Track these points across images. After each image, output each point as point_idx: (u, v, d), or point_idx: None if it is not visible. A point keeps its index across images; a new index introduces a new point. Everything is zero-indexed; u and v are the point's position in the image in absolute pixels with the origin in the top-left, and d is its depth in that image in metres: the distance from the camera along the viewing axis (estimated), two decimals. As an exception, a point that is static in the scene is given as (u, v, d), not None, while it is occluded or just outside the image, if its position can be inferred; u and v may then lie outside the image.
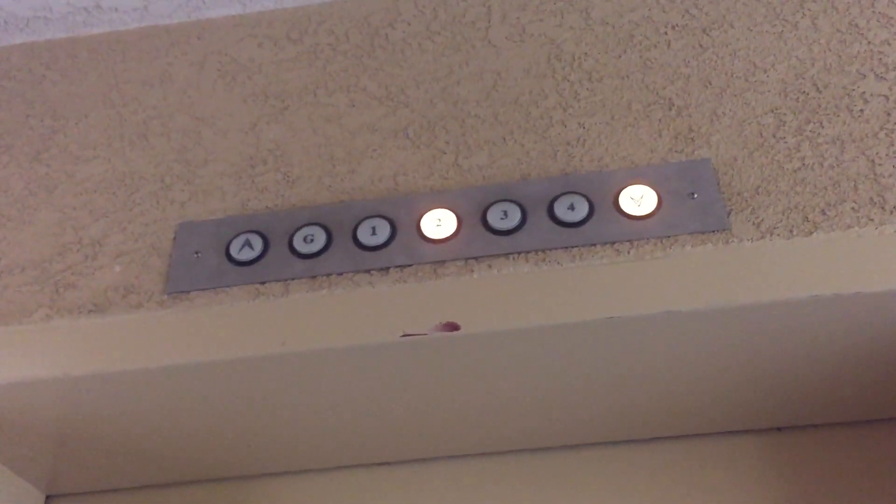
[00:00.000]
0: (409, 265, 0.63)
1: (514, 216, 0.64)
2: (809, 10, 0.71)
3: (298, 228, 0.66)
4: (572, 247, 0.62)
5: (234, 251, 0.65)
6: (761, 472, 0.71)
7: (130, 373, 0.62)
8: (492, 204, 0.65)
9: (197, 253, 0.66)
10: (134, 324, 0.64)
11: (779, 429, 0.73)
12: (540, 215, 0.64)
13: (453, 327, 0.60)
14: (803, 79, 0.68)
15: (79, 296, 0.65)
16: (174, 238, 0.67)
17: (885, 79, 0.66)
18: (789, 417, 0.71)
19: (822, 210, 0.60)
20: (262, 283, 0.64)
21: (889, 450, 0.70)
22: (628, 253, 0.61)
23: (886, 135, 0.63)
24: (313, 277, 0.64)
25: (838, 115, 0.65)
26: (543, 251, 0.62)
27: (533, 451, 0.74)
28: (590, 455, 0.73)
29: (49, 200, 0.71)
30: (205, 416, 0.67)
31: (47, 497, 0.78)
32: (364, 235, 0.65)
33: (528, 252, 0.62)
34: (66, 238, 0.69)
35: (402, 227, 0.65)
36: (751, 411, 0.70)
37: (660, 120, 0.68)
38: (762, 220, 0.61)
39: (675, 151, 0.66)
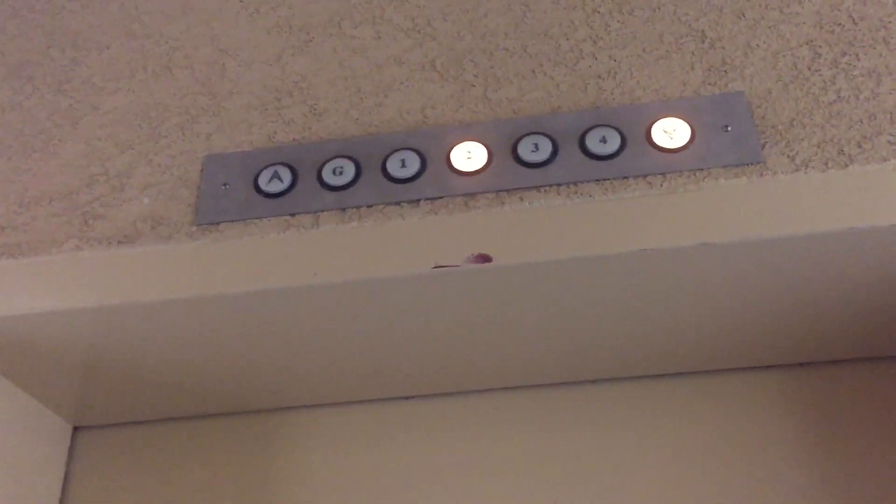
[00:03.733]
0: (440, 197, 0.63)
1: (545, 149, 0.63)
2: (846, -60, 0.70)
3: (327, 160, 0.65)
4: (604, 179, 0.61)
5: (262, 183, 0.65)
6: (784, 408, 0.72)
7: (160, 303, 0.62)
8: (522, 136, 0.64)
9: (225, 185, 0.66)
10: (163, 255, 0.64)
11: (802, 364, 0.73)
12: (571, 148, 0.63)
13: (485, 259, 0.59)
14: (839, 10, 0.67)
15: (108, 227, 0.65)
16: (201, 170, 0.67)
17: (923, 11, 0.65)
18: (814, 353, 0.72)
19: (858, 143, 0.60)
20: (292, 214, 0.64)
21: (912, 385, 0.71)
22: (661, 186, 0.61)
23: (924, 67, 0.63)
24: (343, 209, 0.63)
25: (874, 48, 0.64)
26: (575, 184, 0.62)
27: (560, 385, 0.74)
28: (615, 389, 0.74)
29: (74, 132, 0.71)
30: (233, 349, 0.68)
31: (75, 428, 0.79)
32: (394, 167, 0.64)
33: (559, 185, 0.62)
34: (93, 170, 0.68)
35: (432, 159, 0.64)
36: (776, 347, 0.70)
37: (692, 52, 0.67)
38: (797, 153, 0.60)
39: (708, 84, 0.65)
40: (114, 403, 0.75)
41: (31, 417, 0.74)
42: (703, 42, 0.67)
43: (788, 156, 0.60)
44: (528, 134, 0.64)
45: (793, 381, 0.72)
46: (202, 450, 0.77)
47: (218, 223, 0.64)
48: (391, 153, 0.65)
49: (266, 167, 0.66)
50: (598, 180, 0.62)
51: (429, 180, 0.63)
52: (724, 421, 0.71)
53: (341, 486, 0.73)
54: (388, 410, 0.76)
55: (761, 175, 0.60)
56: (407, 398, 0.76)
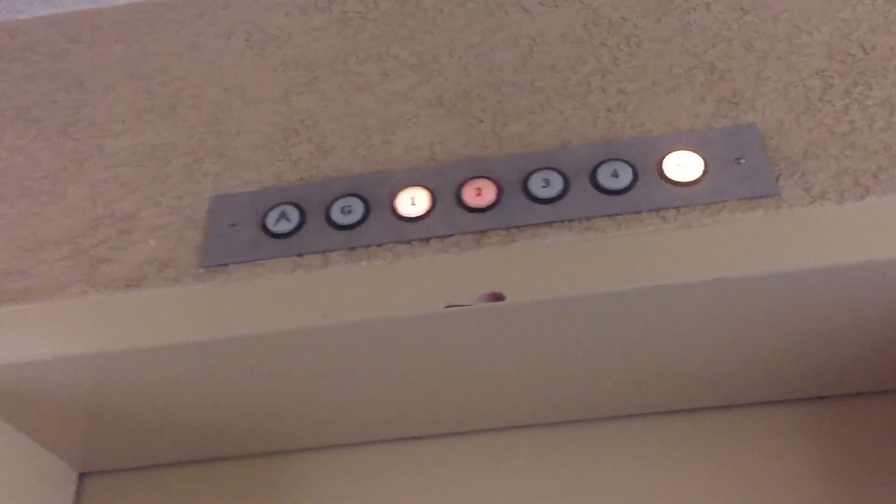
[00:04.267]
0: (451, 235, 0.62)
1: (556, 184, 0.62)
2: (853, -30, 0.70)
3: (335, 199, 0.65)
4: (617, 214, 0.61)
5: (270, 223, 0.64)
6: (803, 442, 0.70)
7: (168, 348, 0.61)
8: (533, 172, 0.63)
9: (232, 225, 0.65)
10: (171, 298, 0.63)
11: (821, 398, 0.72)
12: (583, 183, 0.62)
13: (498, 297, 0.59)
14: (849, 40, 0.66)
15: (114, 270, 0.64)
16: (208, 211, 0.66)
17: (934, 39, 0.65)
18: (832, 386, 0.70)
19: (874, 174, 0.59)
20: (300, 255, 0.63)
21: (934, 418, 0.70)
22: (675, 220, 0.60)
23: (938, 96, 0.62)
24: (352, 249, 0.63)
25: (886, 77, 0.64)
26: (588, 219, 0.61)
27: (576, 422, 0.73)
28: (633, 426, 0.72)
29: (79, 174, 0.70)
30: (243, 391, 0.67)
31: (81, 474, 0.78)
32: (403, 205, 0.63)
33: (571, 220, 0.61)
34: (99, 212, 0.68)
35: (442, 196, 0.64)
36: (794, 380, 0.69)
37: (702, 84, 0.66)
38: (812, 184, 0.59)
39: (720, 116, 0.64)
40: (120, 449, 0.74)
41: (36, 464, 0.72)
42: (712, 74, 0.66)
43: (804, 188, 0.59)
44: (538, 169, 0.63)
45: (811, 415, 0.71)
46: (209, 494, 0.76)
47: (226, 265, 0.63)
48: (400, 190, 0.64)
49: (273, 207, 0.65)
50: (610, 215, 0.61)
51: (439, 217, 0.63)
52: (742, 456, 0.70)
53: (353, 530, 0.72)
54: (399, 451, 0.74)
55: (777, 207, 0.59)
56: (417, 438, 0.75)
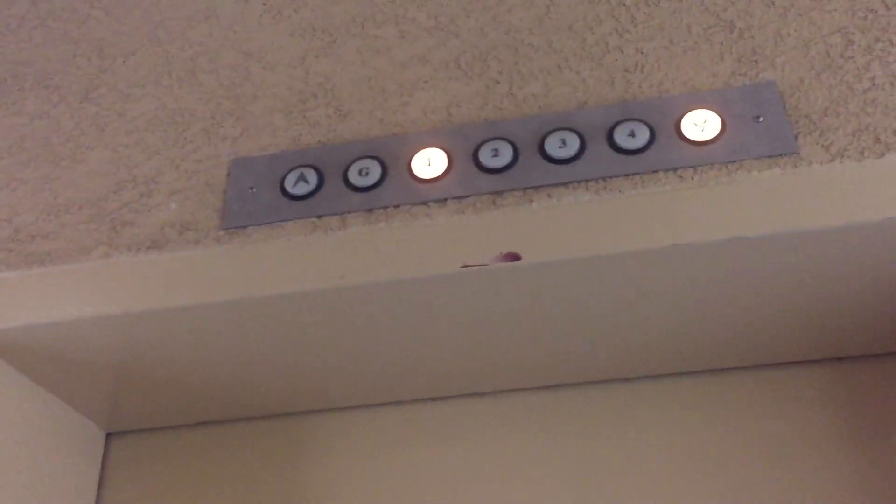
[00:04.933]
0: (467, 196, 0.62)
1: (573, 145, 0.62)
2: (877, -76, 0.68)
3: (353, 161, 0.65)
4: (634, 174, 0.61)
5: (288, 186, 0.65)
6: (821, 403, 0.70)
7: (190, 308, 0.62)
8: (549, 133, 0.63)
9: (252, 188, 0.66)
10: (192, 260, 0.64)
11: (839, 359, 0.72)
12: (599, 143, 0.62)
13: (514, 257, 0.59)
14: (872, -4, 0.65)
15: (136, 233, 0.65)
16: (228, 174, 0.67)
17: (959, -7, 0.64)
18: (851, 347, 0.70)
19: (895, 131, 0.58)
20: (319, 216, 0.63)
21: (954, 378, 0.69)
22: (692, 179, 0.59)
23: (961, 52, 0.61)
24: (370, 210, 0.63)
25: (910, 33, 0.63)
26: (604, 179, 0.61)
27: (596, 383, 0.73)
28: (652, 387, 0.72)
29: (101, 139, 0.71)
30: (263, 352, 0.68)
31: (108, 434, 0.80)
32: (420, 167, 0.64)
33: (588, 181, 0.61)
34: (121, 176, 0.69)
35: (458, 157, 0.64)
36: (812, 341, 0.69)
37: (721, 43, 0.65)
38: (832, 142, 0.59)
39: (739, 75, 0.64)
40: (145, 409, 0.76)
41: (64, 424, 0.74)
42: (731, 32, 0.66)
43: (823, 145, 0.59)
44: (555, 130, 0.63)
45: (830, 376, 0.71)
46: (233, 453, 0.77)
47: (245, 227, 0.64)
48: (416, 152, 0.64)
49: (292, 170, 0.66)
50: (627, 175, 0.61)
51: (455, 178, 0.63)
52: (760, 417, 0.70)
53: (370, 488, 0.73)
54: (417, 412, 0.75)
55: (795, 166, 0.58)
56: (435, 399, 0.75)
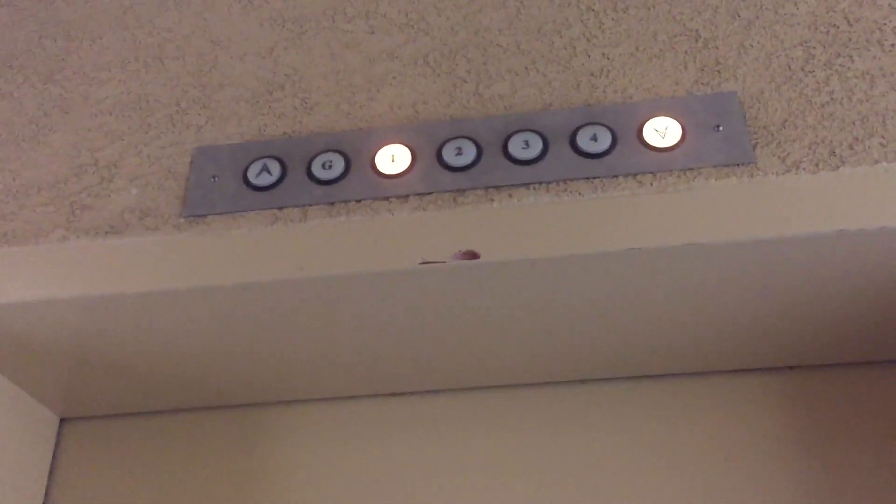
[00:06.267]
0: (429, 193, 0.62)
1: (536, 146, 0.63)
2: (843, -59, 0.70)
3: (316, 154, 0.65)
4: (594, 178, 0.61)
5: (251, 176, 0.65)
6: (773, 411, 0.71)
7: (147, 294, 0.62)
8: (513, 133, 0.64)
9: (214, 177, 0.65)
10: (150, 246, 0.63)
11: (791, 367, 0.73)
12: (562, 146, 0.63)
13: (473, 255, 0.59)
14: (834, 12, 0.66)
15: (95, 217, 0.65)
16: (191, 162, 0.67)
17: (918, 13, 0.65)
18: (803, 356, 0.71)
19: (850, 145, 0.60)
20: (280, 208, 0.63)
21: (902, 390, 0.71)
22: (651, 185, 0.60)
23: (918, 70, 0.62)
24: (331, 204, 0.63)
25: (868, 50, 0.64)
26: (565, 182, 0.61)
27: (545, 384, 0.74)
28: (601, 390, 0.73)
29: (64, 122, 0.71)
30: (220, 341, 0.67)
31: (62, 419, 0.79)
32: (383, 163, 0.64)
33: (549, 182, 0.62)
34: (82, 160, 0.68)
35: (421, 154, 0.64)
36: (765, 349, 0.70)
37: (685, 52, 0.66)
38: (788, 153, 0.60)
39: (701, 84, 0.64)
40: (101, 395, 0.75)
41: (17, 408, 0.73)
42: (696, 41, 0.67)
43: (779, 156, 0.60)
44: (518, 131, 0.64)
45: (782, 384, 0.72)
46: (189, 443, 0.77)
47: (205, 215, 0.64)
48: (380, 147, 0.65)
49: (255, 160, 0.66)
50: (588, 178, 0.61)
51: (418, 175, 0.63)
52: (711, 423, 0.71)
53: (328, 482, 0.73)
54: (376, 407, 0.75)
55: (752, 175, 0.59)
56: (395, 395, 0.76)
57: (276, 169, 0.65)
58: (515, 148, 0.63)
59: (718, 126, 0.62)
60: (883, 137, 0.59)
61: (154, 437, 0.77)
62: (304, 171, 0.65)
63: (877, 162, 0.58)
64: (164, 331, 0.66)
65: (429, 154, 0.64)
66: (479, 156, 0.63)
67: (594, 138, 0.62)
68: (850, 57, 0.64)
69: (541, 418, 0.73)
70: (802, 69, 0.64)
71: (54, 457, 0.77)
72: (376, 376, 0.73)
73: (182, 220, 0.64)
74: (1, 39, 0.77)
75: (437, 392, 0.75)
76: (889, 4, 0.66)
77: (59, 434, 0.78)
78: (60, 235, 0.64)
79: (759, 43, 0.66)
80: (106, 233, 0.64)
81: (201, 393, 0.75)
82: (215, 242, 0.63)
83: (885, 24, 0.65)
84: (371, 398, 0.76)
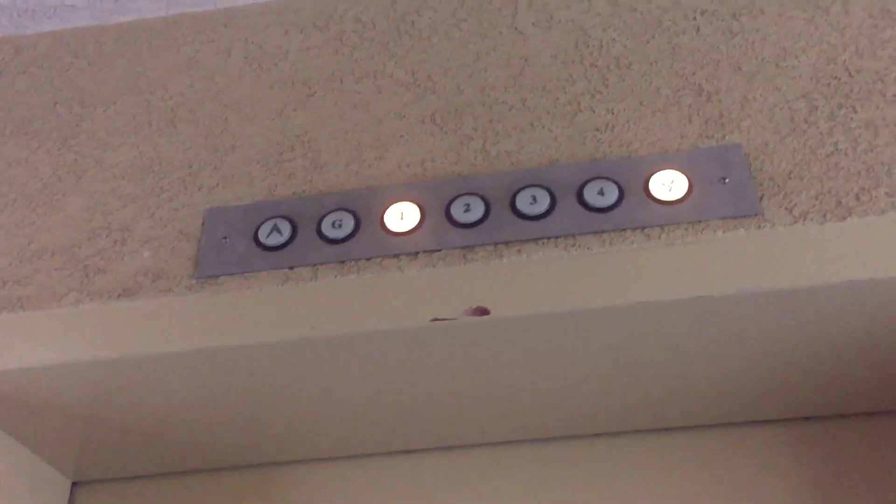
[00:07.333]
0: (438, 250, 0.63)
1: (543, 201, 0.63)
2: (841, -5, 0.71)
3: (327, 213, 0.66)
4: (602, 232, 0.62)
5: (262, 236, 0.65)
6: (789, 462, 0.70)
7: (160, 356, 0.62)
8: (521, 189, 0.64)
9: (225, 238, 0.66)
10: (163, 308, 0.64)
11: (807, 418, 0.72)
12: (569, 200, 0.63)
13: (483, 312, 0.59)
14: (835, 63, 0.67)
15: (108, 280, 0.66)
16: (202, 223, 0.68)
17: (918, 63, 0.66)
18: (818, 407, 0.71)
19: (856, 195, 0.60)
20: (291, 267, 0.64)
21: (920, 439, 0.70)
22: (659, 238, 0.60)
23: (921, 119, 0.63)
24: (342, 262, 0.64)
25: (871, 100, 0.64)
26: (573, 236, 0.62)
27: (558, 439, 0.73)
28: (617, 444, 0.73)
29: (77, 186, 0.72)
30: (233, 402, 0.68)
31: (73, 483, 0.79)
32: (392, 220, 0.64)
33: (557, 237, 0.62)
34: (95, 223, 0.69)
35: (431, 211, 0.65)
36: (779, 400, 0.69)
37: (689, 105, 0.67)
38: (795, 204, 0.60)
39: (706, 137, 0.65)
40: (113, 458, 0.75)
41: (29, 472, 0.73)
42: (700, 95, 0.67)
43: (786, 208, 0.60)
44: (526, 186, 0.64)
45: (797, 435, 0.71)
46: (202, 504, 0.76)
47: (217, 276, 0.65)
48: (390, 205, 0.65)
49: (266, 220, 0.66)
50: (595, 233, 0.62)
51: (427, 232, 0.64)
52: (726, 475, 0.70)
53: (341, 542, 0.72)
54: (388, 465, 0.75)
55: (759, 227, 0.60)
56: (405, 452, 0.75)
57: (286, 229, 0.66)
58: (523, 203, 0.63)
59: (724, 178, 0.62)
60: (889, 187, 0.60)
61: (166, 500, 0.77)
62: (315, 230, 0.65)
63: (883, 212, 0.59)
64: (176, 392, 0.66)
65: (437, 211, 0.65)
66: (487, 212, 0.64)
67: (601, 192, 0.63)
68: (853, 108, 0.64)
69: (553, 473, 0.72)
70: (806, 121, 0.64)
71: (66, 521, 0.77)
72: (388, 434, 0.73)
73: (194, 282, 0.65)
74: (17, 105, 0.78)
75: (449, 449, 0.74)
76: (889, 55, 0.67)
77: (70, 498, 0.78)
78: (74, 299, 0.65)
79: (761, 95, 0.66)
80: (119, 296, 0.65)
81: (214, 454, 0.75)
82: (227, 303, 0.63)
83: (886, 74, 0.66)
84: (383, 456, 0.75)
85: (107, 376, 0.64)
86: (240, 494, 0.76)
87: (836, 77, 0.66)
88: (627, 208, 0.62)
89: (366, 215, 0.65)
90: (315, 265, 0.64)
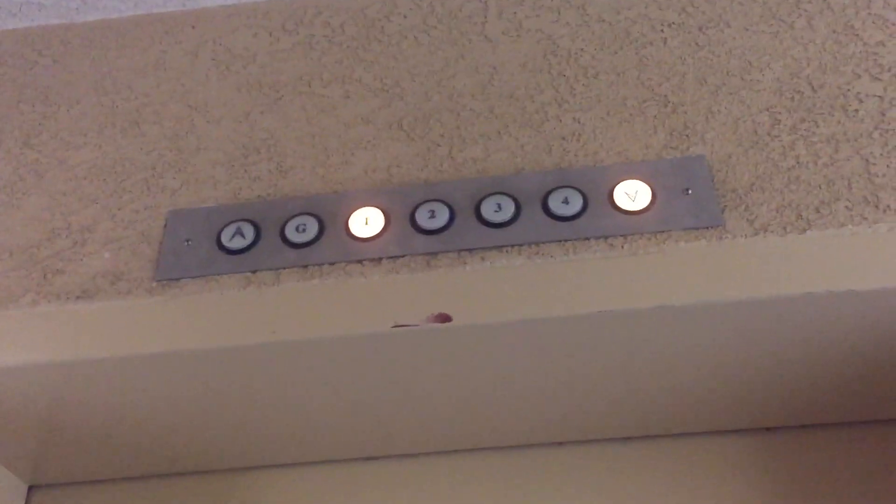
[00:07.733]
0: (402, 256, 0.63)
1: (508, 209, 0.63)
2: (805, 10, 0.72)
3: (291, 218, 0.65)
4: (566, 240, 0.62)
5: (225, 239, 0.65)
6: (750, 473, 0.71)
7: (118, 359, 0.61)
8: (486, 196, 0.64)
9: (188, 241, 0.66)
10: (122, 310, 0.63)
11: (767, 429, 0.73)
12: (534, 209, 0.63)
13: (445, 318, 0.59)
14: (798, 78, 0.68)
15: (67, 281, 0.65)
16: (165, 225, 0.67)
17: (879, 79, 0.67)
18: (778, 417, 0.71)
19: (816, 208, 0.61)
20: (253, 271, 0.63)
21: (879, 452, 0.70)
22: (622, 247, 0.61)
23: (881, 134, 0.64)
24: (305, 267, 0.63)
25: (833, 115, 0.65)
26: (537, 244, 0.62)
27: (520, 447, 0.73)
28: (577, 453, 0.73)
29: (39, 185, 0.71)
30: (192, 406, 0.67)
31: (30, 487, 0.77)
32: (357, 226, 0.64)
33: (521, 245, 0.62)
34: (55, 224, 0.68)
35: (395, 217, 0.64)
36: (740, 411, 0.70)
37: (655, 116, 0.68)
38: (756, 216, 0.61)
39: (670, 148, 0.66)
40: (70, 462, 0.74)
41: (-16, 475, 0.72)
42: (665, 106, 0.68)
43: (748, 220, 0.61)
44: (491, 194, 0.64)
45: (758, 446, 0.72)
46: (161, 510, 0.75)
47: (179, 279, 0.64)
48: (354, 211, 0.65)
49: (229, 223, 0.66)
50: (559, 241, 0.62)
51: (391, 239, 0.63)
52: (687, 486, 0.71)
53: (300, 550, 0.72)
54: (351, 471, 0.74)
55: (720, 238, 0.60)
56: (369, 459, 0.75)
57: (249, 232, 0.65)
58: (488, 211, 0.63)
59: (688, 189, 0.63)
60: (849, 201, 0.60)
61: (124, 504, 0.76)
62: (278, 234, 0.65)
63: (843, 225, 0.59)
64: (135, 396, 0.65)
65: (402, 217, 0.64)
66: (451, 219, 0.64)
67: (566, 201, 0.63)
68: (815, 122, 0.65)
69: (515, 481, 0.72)
70: (769, 134, 0.65)
71: (22, 525, 0.76)
72: (350, 440, 0.72)
73: (154, 284, 0.64)
74: (-21, 104, 0.77)
75: (412, 456, 0.74)
76: (852, 71, 0.67)
77: (27, 502, 0.77)
78: (31, 300, 0.64)
79: (726, 108, 0.67)
80: (77, 297, 0.64)
81: (174, 458, 0.74)
82: (188, 306, 0.63)
83: (848, 89, 0.66)
84: (346, 462, 0.75)
85: (64, 379, 0.63)
86: (198, 500, 0.75)
87: (799, 91, 0.67)
88: (591, 217, 0.62)
89: (330, 220, 0.65)
90: (278, 269, 0.63)
